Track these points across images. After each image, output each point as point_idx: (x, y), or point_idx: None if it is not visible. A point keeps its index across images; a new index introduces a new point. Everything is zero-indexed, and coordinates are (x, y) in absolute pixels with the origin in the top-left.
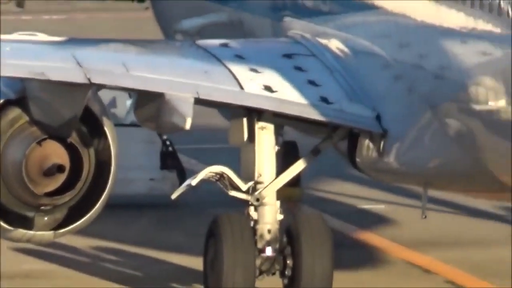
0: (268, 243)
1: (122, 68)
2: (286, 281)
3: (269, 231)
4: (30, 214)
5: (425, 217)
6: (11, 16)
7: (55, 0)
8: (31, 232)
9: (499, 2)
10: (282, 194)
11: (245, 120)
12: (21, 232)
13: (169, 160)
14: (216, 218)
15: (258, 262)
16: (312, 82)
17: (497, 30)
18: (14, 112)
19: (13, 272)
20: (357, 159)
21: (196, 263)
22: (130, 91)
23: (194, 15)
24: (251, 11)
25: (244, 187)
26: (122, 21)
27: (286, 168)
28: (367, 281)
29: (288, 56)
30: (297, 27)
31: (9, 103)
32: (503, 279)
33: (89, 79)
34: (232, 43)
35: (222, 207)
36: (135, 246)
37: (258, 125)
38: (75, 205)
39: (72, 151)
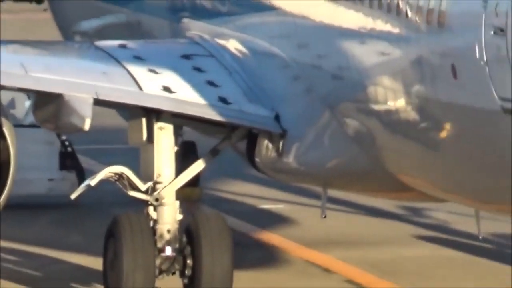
0: (168, 243)
1: (20, 69)
2: (186, 280)
3: (168, 231)
4: None
5: (325, 216)
6: None
7: None
8: None
9: (398, 2)
10: (181, 194)
11: (144, 120)
12: None
13: (68, 161)
14: (116, 218)
15: (158, 261)
16: (211, 83)
17: (396, 30)
18: None
19: None
20: (256, 159)
21: (95, 263)
22: (29, 92)
23: (93, 16)
24: (149, 12)
25: (143, 187)
26: (20, 22)
27: (185, 168)
28: (267, 280)
29: (187, 57)
30: (195, 28)
31: None
32: (401, 278)
33: None
34: (131, 44)
35: (122, 207)
36: (34, 246)
37: (157, 125)
38: None
39: None
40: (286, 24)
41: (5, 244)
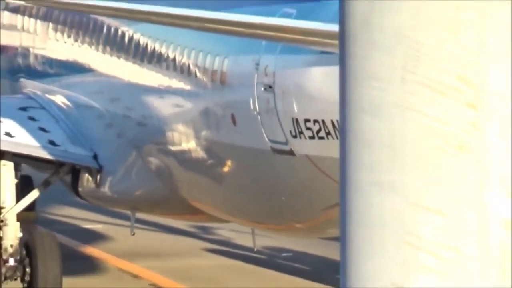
0: (11, 255)
1: None
2: (25, 285)
3: (11, 246)
4: None
5: (134, 234)
6: None
7: None
8: None
9: (189, 64)
10: (21, 217)
11: None
12: None
13: None
14: None
15: (3, 270)
16: (42, 129)
17: (188, 87)
18: None
19: None
20: (79, 189)
21: None
22: None
23: None
24: None
25: None
26: None
27: (24, 196)
28: (89, 285)
29: (23, 109)
30: (30, 86)
31: None
32: (195, 282)
33: None
34: None
35: None
36: None
37: (1, 163)
38: None
39: None
40: (100, 82)
41: None
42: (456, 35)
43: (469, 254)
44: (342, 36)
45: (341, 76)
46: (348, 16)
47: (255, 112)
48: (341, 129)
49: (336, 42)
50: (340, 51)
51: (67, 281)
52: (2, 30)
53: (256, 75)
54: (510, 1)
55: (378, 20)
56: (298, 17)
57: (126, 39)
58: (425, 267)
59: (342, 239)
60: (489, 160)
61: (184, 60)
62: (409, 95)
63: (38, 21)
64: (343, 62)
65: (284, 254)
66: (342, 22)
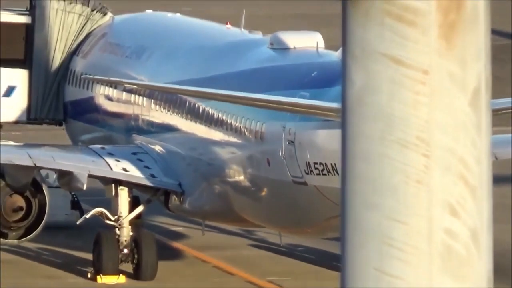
0: (125, 247)
1: (51, 158)
2: (134, 266)
3: (125, 240)
4: (5, 231)
5: (203, 234)
6: None
7: None
8: (6, 240)
9: (240, 126)
10: (132, 222)
11: (113, 185)
12: (1, 240)
13: (75, 205)
14: (99, 233)
15: (120, 256)
16: (146, 167)
17: (240, 141)
18: None
19: None
20: (170, 205)
21: (89, 255)
22: (55, 170)
23: (85, 133)
24: (113, 130)
25: (113, 218)
26: (54, 135)
27: (134, 209)
28: (173, 265)
29: (134, 153)
30: (138, 139)
31: None
32: (243, 265)
33: (34, 164)
34: (106, 147)
35: (102, 228)
36: (60, 248)
37: (120, 187)
38: (28, 227)
39: (27, 199)
40: (182, 137)
41: (42, 245)
42: (415, 110)
43: (423, 249)
44: (343, 109)
45: (343, 135)
46: (347, 96)
47: (282, 157)
48: (342, 168)
49: (334, 114)
50: (342, 119)
51: (160, 263)
52: (121, 104)
53: (283, 134)
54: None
55: (367, 99)
56: (310, 97)
57: (200, 110)
58: (394, 258)
59: (342, 240)
60: (436, 190)
61: (237, 123)
62: (386, 148)
63: (144, 97)
64: (344, 126)
65: (299, 248)
66: (343, 98)
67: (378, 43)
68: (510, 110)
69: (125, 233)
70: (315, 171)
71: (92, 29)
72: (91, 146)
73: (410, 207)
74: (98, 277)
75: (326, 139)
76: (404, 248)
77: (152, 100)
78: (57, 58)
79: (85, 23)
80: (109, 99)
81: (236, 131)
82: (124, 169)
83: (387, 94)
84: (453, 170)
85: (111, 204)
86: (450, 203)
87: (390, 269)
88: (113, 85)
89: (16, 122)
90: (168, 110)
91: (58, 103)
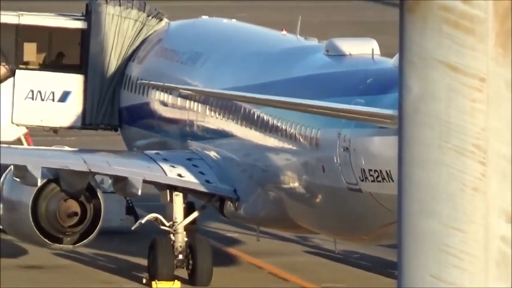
0: (180, 253)
1: (106, 164)
2: (189, 271)
3: (180, 246)
4: (60, 236)
5: (258, 240)
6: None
7: None
8: (61, 245)
9: (295, 133)
10: (187, 228)
11: (168, 191)
12: (56, 245)
13: (130, 210)
14: (154, 239)
15: (175, 262)
16: (201, 172)
17: (296, 148)
18: (53, 185)
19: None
20: (224, 211)
21: (143, 261)
22: (110, 176)
23: (141, 139)
24: (169, 136)
25: (168, 224)
26: (108, 141)
27: (189, 215)
28: (228, 272)
29: (189, 159)
30: (193, 145)
31: (49, 181)
32: (298, 272)
33: (89, 169)
34: (161, 152)
35: (157, 234)
36: (115, 253)
37: (174, 193)
38: (82, 233)
39: (82, 205)
40: (238, 143)
41: (96, 251)
42: (472, 118)
43: (479, 256)
44: (400, 116)
45: (399, 142)
46: (404, 103)
47: (337, 164)
48: (398, 175)
49: (389, 120)
50: (399, 125)
51: (215, 269)
52: (176, 109)
53: (338, 141)
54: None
55: (424, 107)
56: (365, 104)
57: (255, 116)
58: (451, 265)
59: (399, 247)
60: (492, 197)
61: (293, 130)
62: (442, 155)
63: (200, 103)
64: (401, 133)
65: (355, 255)
66: (400, 105)
67: (436, 50)
68: None
69: (180, 239)
70: (370, 178)
71: (147, 34)
72: (146, 152)
73: (467, 214)
74: (153, 282)
75: (381, 146)
76: (461, 255)
77: (207, 106)
78: (112, 63)
79: (141, 28)
80: (164, 104)
81: (291, 138)
82: (179, 175)
83: (444, 101)
84: (509, 177)
85: (166, 210)
86: (506, 210)
87: (446, 276)
88: (169, 90)
89: (71, 128)
90: (223, 116)
91: (113, 109)
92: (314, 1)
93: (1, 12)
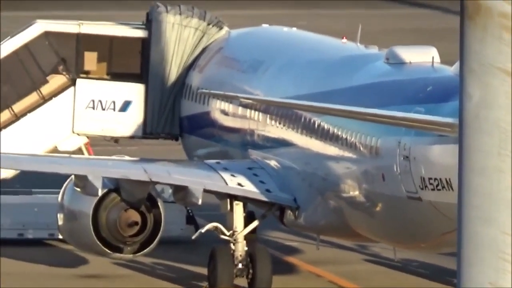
0: (240, 262)
1: (167, 173)
2: (248, 280)
3: (240, 255)
4: (121, 245)
5: (318, 248)
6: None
7: None
8: (121, 255)
9: (355, 142)
10: (247, 237)
11: (228, 200)
12: (116, 255)
13: (190, 219)
14: (214, 248)
15: (235, 270)
16: (261, 181)
17: (356, 156)
18: (113, 195)
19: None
20: (284, 220)
21: (203, 270)
22: (170, 185)
23: (201, 148)
24: (229, 145)
25: (228, 233)
26: (169, 150)
27: (249, 224)
28: (287, 280)
29: (250, 168)
30: (254, 154)
31: (110, 190)
32: (358, 281)
33: (150, 179)
34: (221, 161)
35: (217, 243)
36: (175, 262)
37: (235, 202)
38: (143, 242)
39: (142, 214)
40: (298, 152)
41: (156, 260)
42: None
43: None
44: (460, 123)
45: (460, 149)
46: (464, 110)
47: (397, 173)
48: (458, 182)
49: (449, 129)
50: (459, 133)
51: (275, 278)
52: (237, 118)
53: (398, 149)
54: None
55: (484, 114)
56: (425, 112)
57: (315, 124)
58: (509, 272)
59: (458, 254)
60: None
61: (352, 138)
62: (502, 162)
63: (260, 112)
64: (461, 140)
65: (414, 263)
66: (460, 113)
67: (496, 57)
68: None
69: (240, 248)
70: (430, 187)
71: (208, 43)
72: (207, 161)
73: None
74: None
75: (441, 154)
76: None
77: (268, 115)
78: (173, 72)
79: (201, 37)
80: (225, 113)
81: (351, 146)
82: (240, 184)
83: (503, 108)
84: None
85: (226, 219)
86: None
87: (504, 283)
88: (229, 99)
89: (131, 137)
90: (284, 125)
91: (174, 118)
92: (373, 9)
93: (62, 22)
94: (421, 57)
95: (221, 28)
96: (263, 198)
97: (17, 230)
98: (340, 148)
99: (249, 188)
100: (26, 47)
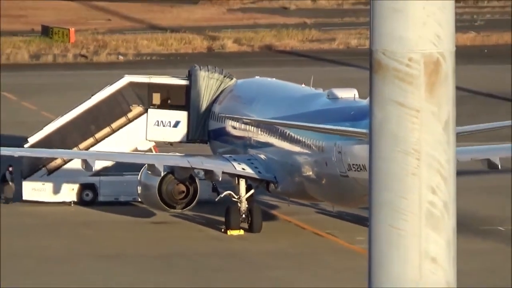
0: (243, 213)
1: (200, 163)
2: (248, 224)
3: (243, 210)
4: (174, 204)
5: (289, 205)
6: None
7: None
8: (174, 210)
9: (310, 144)
10: (247, 199)
11: (236, 178)
12: (172, 210)
13: (214, 189)
14: (228, 206)
15: (240, 219)
16: (256, 167)
17: (309, 151)
18: (170, 175)
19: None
20: (270, 189)
21: (222, 218)
22: (203, 169)
23: (220, 148)
24: (237, 146)
25: (236, 197)
26: (202, 149)
27: (248, 191)
28: (270, 226)
29: (249, 159)
30: (251, 151)
31: (168, 173)
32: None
33: (191, 165)
34: (232, 155)
35: (230, 203)
36: (206, 214)
37: (240, 179)
38: (187, 203)
39: (186, 186)
40: (277, 150)
41: (194, 212)
42: (412, 132)
43: (415, 213)
44: (370, 133)
45: (370, 147)
46: (373, 125)
47: (334, 161)
48: (369, 166)
49: (364, 136)
50: (369, 138)
51: (264, 223)
52: (241, 131)
53: (334, 147)
54: None
55: (385, 126)
56: (350, 126)
57: (287, 134)
58: (401, 219)
59: (369, 207)
60: (424, 179)
61: (308, 141)
62: (394, 154)
63: (254, 127)
64: (370, 142)
65: (344, 213)
66: (370, 127)
67: (391, 94)
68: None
69: (243, 205)
70: (353, 169)
71: (224, 87)
72: (224, 155)
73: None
74: (228, 231)
75: (359, 150)
76: (405, 213)
77: (259, 129)
78: (203, 105)
79: (220, 84)
80: (234, 128)
81: (308, 146)
82: (243, 169)
83: (395, 123)
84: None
85: (235, 189)
86: (431, 186)
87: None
88: (236, 120)
89: (180, 142)
90: (268, 134)
91: (205, 130)
92: (322, 67)
93: (139, 76)
94: (348, 94)
95: (232, 78)
96: (256, 177)
97: (113, 196)
98: (301, 147)
99: (248, 171)
100: (119, 91)
